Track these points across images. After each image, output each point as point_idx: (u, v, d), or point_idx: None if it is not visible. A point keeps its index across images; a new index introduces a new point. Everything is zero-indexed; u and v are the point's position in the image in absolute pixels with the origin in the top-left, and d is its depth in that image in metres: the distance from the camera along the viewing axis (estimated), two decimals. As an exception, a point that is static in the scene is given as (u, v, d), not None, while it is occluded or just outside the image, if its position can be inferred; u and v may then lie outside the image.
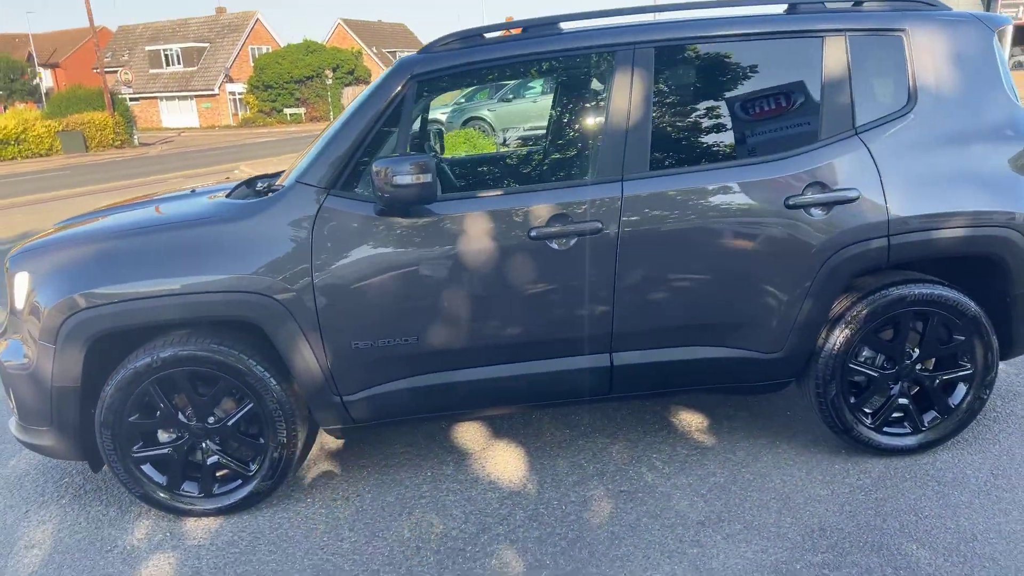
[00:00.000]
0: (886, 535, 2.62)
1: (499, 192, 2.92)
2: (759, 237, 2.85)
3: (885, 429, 3.09)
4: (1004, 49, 4.32)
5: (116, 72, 49.21)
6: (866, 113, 2.91)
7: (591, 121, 2.94)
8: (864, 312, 2.92)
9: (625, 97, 2.84)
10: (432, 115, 17.62)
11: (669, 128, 2.94)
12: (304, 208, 2.79)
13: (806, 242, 2.84)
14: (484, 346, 2.90)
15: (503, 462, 3.26)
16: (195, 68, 47.08)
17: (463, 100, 20.93)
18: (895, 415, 3.10)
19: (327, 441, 3.52)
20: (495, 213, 2.80)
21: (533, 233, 2.77)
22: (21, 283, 2.86)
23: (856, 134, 2.88)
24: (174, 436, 2.91)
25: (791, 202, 2.82)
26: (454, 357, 2.90)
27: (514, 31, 3.00)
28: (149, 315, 2.75)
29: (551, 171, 3.57)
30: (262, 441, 2.92)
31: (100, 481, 3.26)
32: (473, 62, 2.87)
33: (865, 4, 3.02)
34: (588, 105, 3.54)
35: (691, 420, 3.51)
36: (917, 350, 3.03)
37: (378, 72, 55.01)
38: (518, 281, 2.83)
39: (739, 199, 2.84)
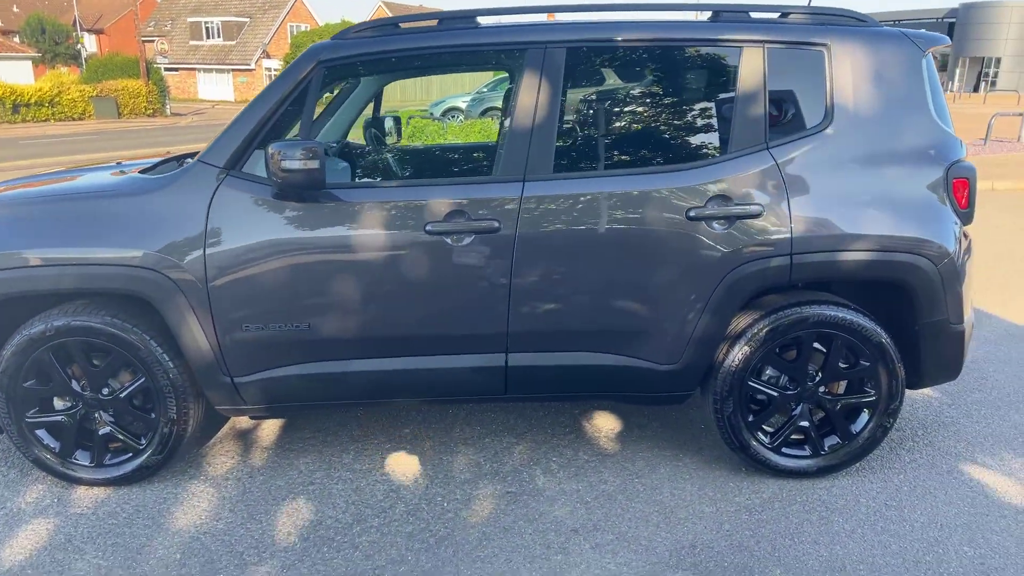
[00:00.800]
0: (755, 557, 2.58)
1: (401, 184, 2.91)
2: (658, 247, 2.80)
3: (784, 450, 3.04)
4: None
5: (155, 41, 50.00)
6: (778, 128, 2.84)
7: (504, 119, 2.91)
8: (765, 330, 2.87)
9: (532, 96, 2.81)
10: (453, 103, 17.60)
11: (576, 131, 2.91)
12: (202, 187, 2.80)
13: (706, 256, 2.79)
14: (378, 338, 2.89)
15: (403, 454, 3.27)
16: (234, 42, 47.57)
17: (485, 89, 20.92)
18: (795, 437, 3.05)
19: (240, 423, 3.55)
20: (393, 205, 2.78)
21: (429, 228, 2.76)
22: None
23: (767, 149, 2.82)
24: (68, 404, 2.95)
25: (692, 214, 2.77)
26: (347, 347, 2.90)
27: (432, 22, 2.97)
28: (47, 283, 2.79)
29: (463, 166, 3.54)
30: (153, 416, 2.95)
31: (6, 444, 3.32)
32: (382, 51, 2.85)
33: (791, 16, 2.94)
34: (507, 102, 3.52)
35: (601, 425, 3.48)
36: (820, 373, 2.97)
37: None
38: (413, 275, 2.81)
39: (641, 207, 2.79)
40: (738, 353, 2.89)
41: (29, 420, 2.93)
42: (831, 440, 3.04)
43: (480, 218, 2.76)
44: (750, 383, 2.94)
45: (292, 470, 3.14)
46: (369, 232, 2.78)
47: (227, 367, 2.89)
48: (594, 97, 2.96)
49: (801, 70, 2.87)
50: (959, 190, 2.89)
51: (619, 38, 2.85)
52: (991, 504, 2.89)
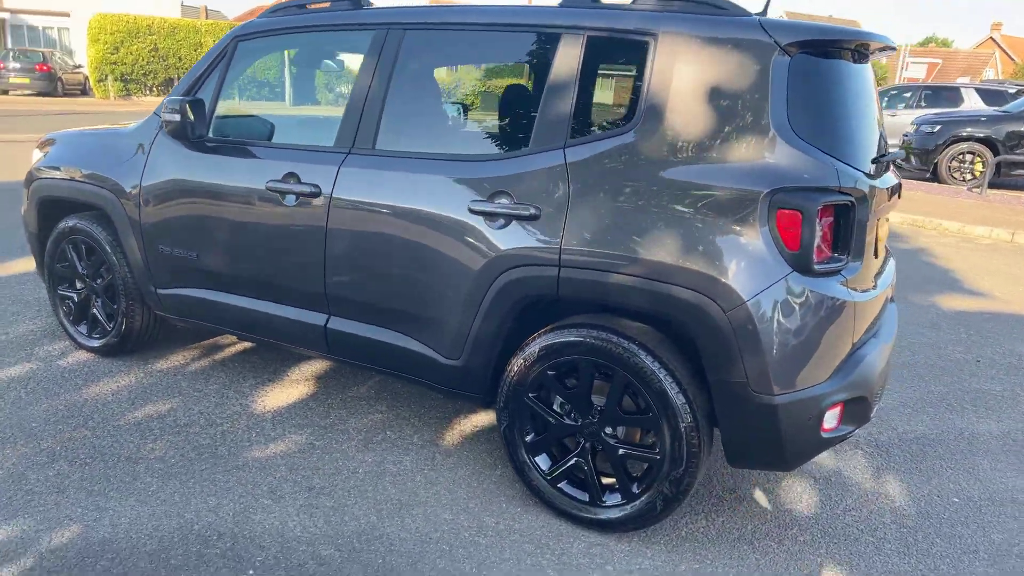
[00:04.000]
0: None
1: (262, 145, 3.23)
2: (442, 237, 2.73)
3: (560, 485, 2.70)
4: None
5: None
6: (582, 126, 2.53)
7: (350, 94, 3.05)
8: (538, 347, 2.61)
9: (369, 74, 2.93)
10: None
11: (400, 111, 2.93)
12: (149, 133, 3.51)
13: (481, 253, 2.64)
14: (239, 278, 3.32)
15: (284, 392, 3.64)
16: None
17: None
18: (582, 477, 2.69)
19: (217, 341, 4.27)
20: (251, 162, 3.17)
21: (269, 185, 3.09)
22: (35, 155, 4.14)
23: (563, 147, 2.54)
24: (79, 287, 3.95)
25: (474, 207, 2.64)
26: (221, 281, 3.38)
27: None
28: (59, 192, 3.79)
29: (319, 133, 3.58)
30: (115, 307, 3.80)
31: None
32: (281, 28, 3.23)
33: (639, 1, 2.55)
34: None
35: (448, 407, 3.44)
36: (602, 410, 2.58)
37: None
38: (258, 227, 3.17)
39: (433, 193, 2.74)
40: (516, 364, 2.67)
41: (60, 292, 4.01)
42: (615, 496, 2.62)
43: (305, 183, 3.00)
44: (526, 399, 2.69)
45: (176, 375, 3.75)
46: (230, 182, 3.20)
47: (152, 278, 3.59)
48: (420, 80, 2.93)
49: (620, 63, 2.50)
50: (786, 226, 2.25)
51: (454, 22, 2.80)
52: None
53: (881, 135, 2.81)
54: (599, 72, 2.54)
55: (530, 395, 2.68)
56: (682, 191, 2.34)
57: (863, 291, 2.49)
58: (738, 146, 2.31)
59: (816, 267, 2.27)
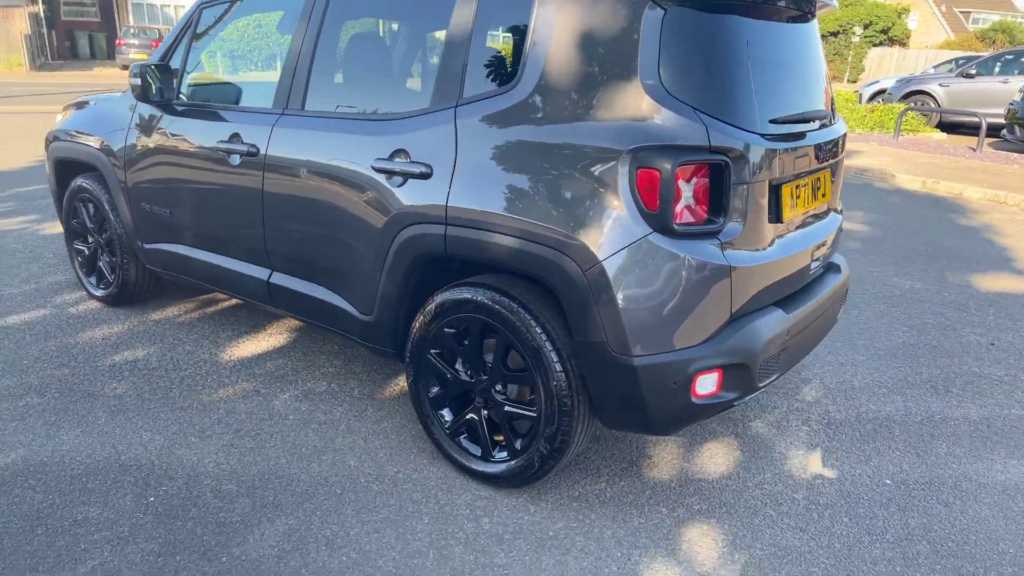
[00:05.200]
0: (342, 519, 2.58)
1: (217, 107, 3.41)
2: (352, 194, 2.82)
3: (460, 439, 2.78)
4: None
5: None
6: (474, 85, 2.55)
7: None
8: (433, 304, 2.67)
9: (300, 36, 3.04)
10: (880, 85, 15.56)
11: (325, 71, 3.02)
12: (133, 98, 3.78)
13: (383, 210, 2.72)
14: (201, 234, 3.55)
15: (272, 341, 3.88)
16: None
17: (932, 70, 17.77)
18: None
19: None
20: (206, 124, 3.37)
21: (217, 144, 3.27)
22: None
23: (456, 106, 2.57)
24: (89, 241, 4.31)
25: (375, 165, 2.72)
26: (188, 236, 3.63)
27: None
28: (68, 154, 4.15)
29: (266, 96, 3.67)
30: (114, 259, 4.14)
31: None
32: (237, -6, 3.39)
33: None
34: None
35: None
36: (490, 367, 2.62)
37: (934, 32, 48.05)
38: (212, 186, 3.37)
39: (346, 151, 2.83)
40: (417, 322, 2.75)
41: (74, 246, 4.40)
42: (503, 452, 2.67)
43: (246, 143, 3.16)
44: (428, 355, 2.76)
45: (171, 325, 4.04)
46: (192, 143, 3.41)
47: (138, 234, 3.89)
48: (347, 39, 3.00)
49: (509, 19, 2.49)
50: (646, 185, 2.20)
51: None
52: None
53: (813, 93, 2.68)
54: (493, 30, 2.54)
55: (432, 351, 2.75)
56: (553, 150, 2.33)
57: (753, 253, 2.39)
58: (608, 103, 2.27)
59: (677, 228, 2.21)
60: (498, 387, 2.63)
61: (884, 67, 36.77)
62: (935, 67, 17.16)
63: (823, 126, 2.81)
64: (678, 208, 2.21)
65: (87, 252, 4.33)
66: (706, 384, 2.35)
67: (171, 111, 3.53)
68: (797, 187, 2.62)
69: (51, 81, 21.90)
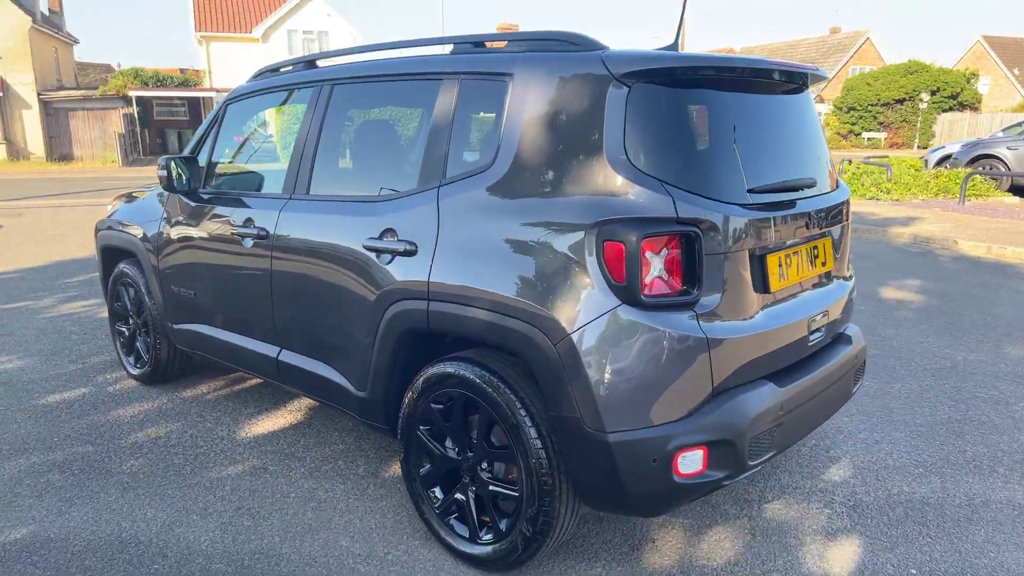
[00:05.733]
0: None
1: (239, 194, 3.59)
2: (346, 272, 2.89)
3: (450, 519, 2.72)
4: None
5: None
6: (456, 166, 2.62)
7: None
8: (421, 380, 2.68)
9: (307, 126, 3.20)
10: (946, 150, 15.26)
11: (327, 159, 3.14)
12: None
13: (374, 287, 2.78)
14: (220, 314, 3.69)
15: (256, 425, 3.94)
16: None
17: (1000, 133, 17.21)
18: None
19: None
20: (224, 211, 3.54)
21: (233, 230, 3.44)
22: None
23: (439, 186, 2.63)
24: (129, 323, 4.53)
25: (366, 244, 2.80)
26: (210, 316, 3.77)
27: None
28: (112, 241, 4.43)
29: (278, 183, 3.78)
30: (149, 339, 4.32)
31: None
32: (257, 90, 3.62)
33: (509, 43, 2.62)
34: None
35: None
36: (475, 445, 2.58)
37: (1007, 95, 46.60)
38: (229, 268, 3.53)
39: (342, 231, 2.92)
40: (407, 397, 2.76)
41: (117, 327, 4.63)
42: (490, 534, 2.59)
43: (257, 227, 3.31)
44: (418, 432, 2.75)
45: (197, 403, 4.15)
46: (212, 229, 3.59)
47: (168, 315, 4.07)
48: (343, 129, 3.13)
49: (486, 104, 2.57)
50: (612, 257, 2.17)
51: (364, 75, 3.00)
52: None
53: (804, 161, 2.64)
54: (472, 115, 2.62)
55: (421, 427, 2.74)
56: (526, 226, 2.35)
57: (735, 324, 2.32)
58: (576, 180, 2.29)
59: (646, 299, 2.17)
60: (483, 465, 2.58)
61: (956, 132, 35.89)
62: (1003, 130, 16.60)
63: (821, 194, 2.75)
64: (647, 279, 2.18)
65: (127, 333, 4.54)
66: (690, 462, 2.24)
67: (196, 199, 3.74)
68: (787, 256, 2.55)
69: (139, 175, 23.58)
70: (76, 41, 37.90)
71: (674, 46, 2.63)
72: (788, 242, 2.54)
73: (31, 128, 29.80)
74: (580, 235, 2.22)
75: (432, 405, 2.67)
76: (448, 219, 2.56)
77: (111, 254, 4.60)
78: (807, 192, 2.65)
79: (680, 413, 2.23)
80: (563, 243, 2.26)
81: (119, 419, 3.98)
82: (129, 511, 3.05)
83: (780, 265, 2.51)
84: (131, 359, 4.56)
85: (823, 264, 2.79)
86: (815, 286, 2.75)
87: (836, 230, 2.89)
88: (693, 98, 2.36)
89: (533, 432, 2.35)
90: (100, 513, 3.03)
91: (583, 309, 2.20)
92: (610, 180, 2.23)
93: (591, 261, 2.21)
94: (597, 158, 2.26)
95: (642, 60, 2.26)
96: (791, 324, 2.52)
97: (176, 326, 4.04)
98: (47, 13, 35.64)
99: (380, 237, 2.76)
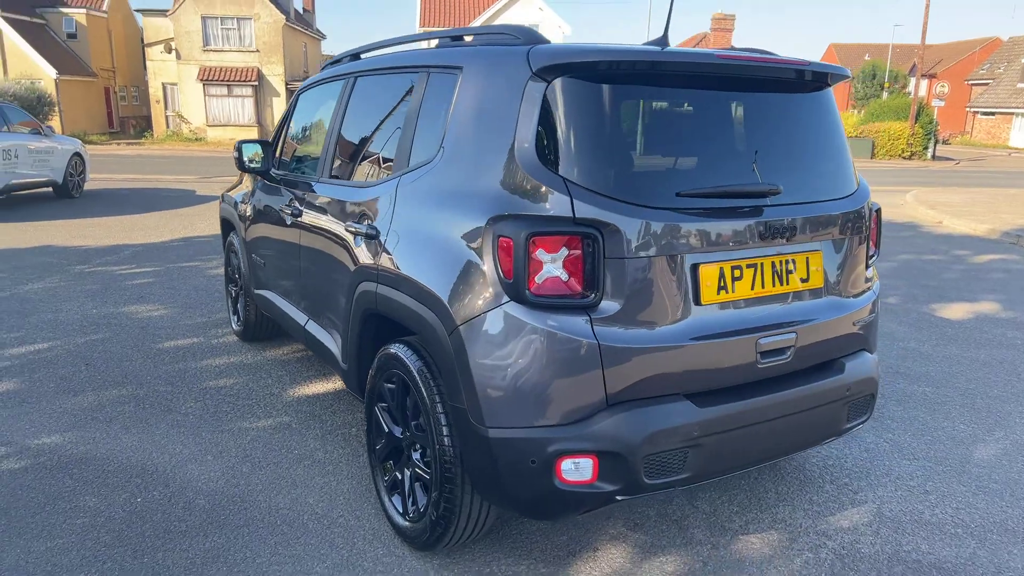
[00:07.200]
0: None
1: (293, 177, 3.92)
2: (334, 251, 3.12)
3: (393, 494, 2.84)
4: None
5: (988, 84, 47.75)
6: (416, 156, 2.71)
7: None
8: (377, 359, 2.83)
9: (333, 115, 3.46)
10: None
11: (343, 144, 3.36)
12: (257, 168, 4.52)
13: (351, 267, 2.97)
14: (277, 283, 4.09)
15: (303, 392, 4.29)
16: None
17: None
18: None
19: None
20: (281, 190, 3.92)
21: (286, 208, 3.80)
22: None
23: (400, 175, 2.75)
24: (236, 286, 5.14)
25: (348, 226, 2.99)
26: (272, 284, 4.20)
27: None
28: (223, 214, 5.05)
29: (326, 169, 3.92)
30: (242, 302, 4.88)
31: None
32: (318, 80, 3.94)
33: (474, 38, 2.64)
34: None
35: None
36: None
37: None
38: (279, 242, 3.91)
39: (336, 214, 3.15)
40: (369, 375, 2.92)
41: (229, 289, 5.27)
42: (415, 507, 2.68)
43: (295, 206, 3.64)
44: (376, 408, 2.90)
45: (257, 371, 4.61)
46: (273, 206, 3.99)
47: (252, 280, 4.58)
48: (355, 119, 3.29)
49: (443, 96, 2.61)
50: (504, 254, 2.14)
51: (373, 69, 3.19)
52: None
53: (768, 166, 2.41)
54: (434, 107, 2.67)
55: (379, 404, 2.88)
56: (447, 217, 2.39)
57: (641, 333, 2.18)
58: (490, 173, 2.28)
59: (534, 298, 2.12)
60: (416, 446, 2.67)
61: None
62: None
63: (800, 202, 2.47)
64: (538, 279, 2.13)
65: (234, 294, 5.17)
66: (575, 470, 2.17)
67: (270, 179, 4.17)
68: (736, 268, 2.34)
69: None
70: (323, 36, 42.40)
71: (663, 40, 2.52)
72: (738, 252, 2.33)
73: (279, 113, 33.89)
74: (480, 228, 2.23)
75: (385, 384, 2.79)
76: (400, 207, 2.66)
77: (225, 225, 5.24)
78: (775, 200, 2.40)
79: (566, 418, 2.16)
80: (470, 236, 2.27)
81: (205, 367, 4.56)
82: (165, 444, 3.52)
83: (722, 277, 2.31)
84: (235, 317, 5.18)
85: (803, 280, 2.51)
86: (784, 304, 2.48)
87: (833, 243, 2.58)
88: (621, 95, 2.25)
89: (443, 419, 2.40)
90: (143, 443, 3.53)
91: (475, 302, 2.21)
92: (516, 175, 2.20)
93: (488, 255, 2.20)
94: (509, 152, 2.24)
95: (561, 54, 2.20)
96: (728, 342, 2.31)
97: (256, 291, 4.53)
98: (300, 11, 40.22)
99: (359, 220, 2.93)
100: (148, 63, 35.27)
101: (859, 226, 2.66)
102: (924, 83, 57.04)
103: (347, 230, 2.98)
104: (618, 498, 2.22)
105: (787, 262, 2.45)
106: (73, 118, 33.77)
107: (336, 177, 3.34)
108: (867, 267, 2.77)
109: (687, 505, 3.05)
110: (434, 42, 2.91)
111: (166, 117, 34.83)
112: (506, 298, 2.16)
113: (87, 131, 33.42)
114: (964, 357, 5.05)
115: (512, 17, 33.87)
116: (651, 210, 2.17)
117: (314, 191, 3.45)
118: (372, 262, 2.76)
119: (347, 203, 3.06)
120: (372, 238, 2.79)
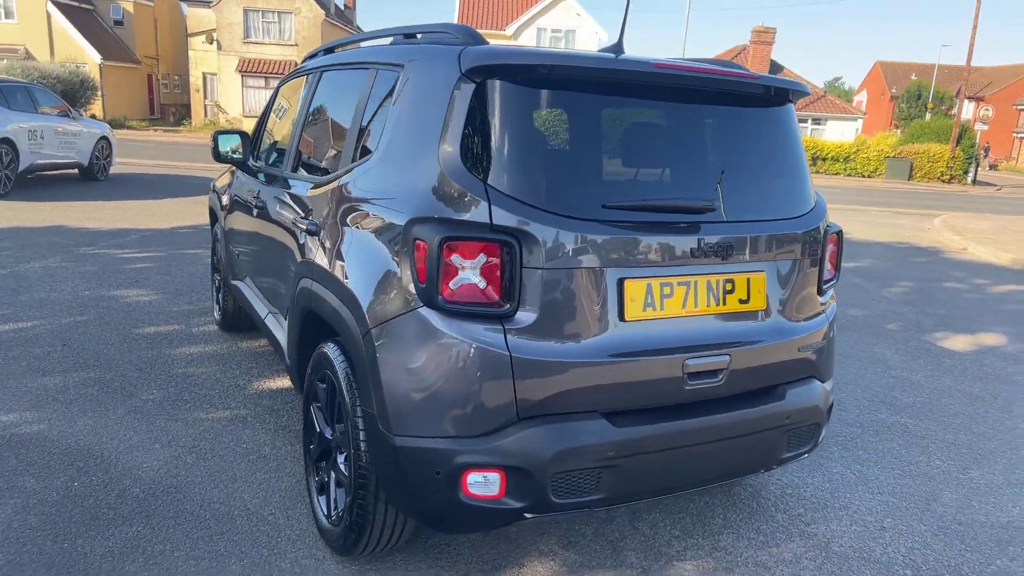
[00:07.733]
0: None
1: (262, 169, 3.90)
2: (285, 243, 3.10)
3: (321, 495, 2.79)
4: None
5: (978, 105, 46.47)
6: (360, 153, 2.67)
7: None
8: (312, 358, 2.79)
9: (299, 109, 3.44)
10: None
11: (302, 140, 3.34)
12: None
13: (294, 262, 2.94)
14: (247, 275, 4.08)
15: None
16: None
17: None
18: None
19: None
20: (252, 181, 3.91)
21: (253, 200, 3.79)
22: None
23: (344, 172, 2.70)
24: (219, 276, 5.16)
25: (297, 222, 2.96)
26: (243, 275, 4.19)
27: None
28: (211, 203, 5.06)
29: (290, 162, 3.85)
30: (219, 294, 4.90)
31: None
32: (295, 74, 3.93)
33: (421, 36, 2.59)
34: None
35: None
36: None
37: None
38: (247, 232, 3.90)
39: (289, 208, 3.13)
40: (307, 373, 2.88)
41: (213, 277, 5.29)
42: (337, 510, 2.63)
43: (260, 199, 3.62)
44: (312, 408, 2.85)
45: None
46: (243, 197, 3.99)
47: (231, 271, 4.58)
48: (316, 114, 3.26)
49: (386, 94, 2.57)
50: (419, 257, 2.08)
51: (331, 65, 3.19)
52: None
53: (705, 181, 2.31)
54: (378, 105, 2.63)
55: (314, 404, 2.84)
56: (375, 215, 2.34)
57: (556, 346, 2.11)
58: (417, 174, 2.23)
59: (446, 305, 2.06)
60: (340, 448, 2.62)
61: None
62: None
63: (742, 220, 2.38)
64: (452, 285, 2.07)
65: (217, 284, 5.18)
66: (481, 484, 2.10)
67: (246, 170, 4.17)
68: (666, 285, 2.25)
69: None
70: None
71: (617, 47, 2.45)
72: (669, 269, 2.24)
73: (313, 107, 34.29)
74: (399, 230, 2.17)
75: (319, 384, 2.75)
76: (337, 204, 2.62)
77: (212, 215, 5.26)
78: (714, 217, 2.31)
79: (473, 430, 2.09)
80: (391, 238, 2.22)
81: (178, 355, 4.57)
82: (117, 430, 3.52)
83: (649, 293, 2.22)
84: (217, 306, 5.20)
85: (742, 301, 2.41)
86: (720, 325, 2.38)
87: (779, 264, 2.47)
88: (552, 101, 2.18)
89: (361, 423, 2.35)
90: (96, 427, 3.54)
91: (389, 306, 2.16)
92: (439, 178, 2.14)
93: (405, 259, 2.15)
94: (433, 154, 2.18)
95: (492, 56, 2.14)
96: (651, 361, 2.22)
97: (233, 281, 4.53)
98: (341, 7, 40.64)
99: (305, 216, 2.90)
100: (190, 52, 35.93)
101: (811, 248, 2.55)
102: (971, 106, 55.78)
103: (295, 225, 2.96)
104: (527, 516, 2.15)
105: (725, 282, 2.36)
106: (115, 103, 34.54)
107: (294, 171, 3.32)
108: (820, 291, 2.66)
109: (627, 526, 2.96)
110: (389, 39, 2.87)
111: (204, 106, 35.44)
112: (419, 303, 2.10)
113: (127, 116, 34.17)
114: (956, 390, 4.87)
115: (550, 22, 33.83)
116: (575, 221, 2.10)
117: (276, 184, 3.43)
118: (312, 259, 2.72)
119: (300, 197, 3.03)
120: (313, 234, 2.75)
